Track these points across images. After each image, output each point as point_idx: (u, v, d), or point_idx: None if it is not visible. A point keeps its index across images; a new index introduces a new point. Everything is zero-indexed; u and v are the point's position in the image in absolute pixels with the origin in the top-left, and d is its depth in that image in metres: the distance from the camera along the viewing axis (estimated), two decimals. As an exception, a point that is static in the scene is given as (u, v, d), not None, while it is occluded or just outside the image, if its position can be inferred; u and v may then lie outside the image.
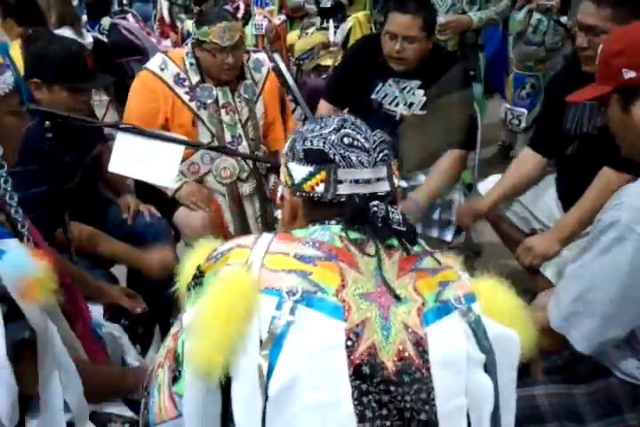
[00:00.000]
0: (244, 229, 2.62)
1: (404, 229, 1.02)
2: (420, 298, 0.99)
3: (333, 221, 1.03)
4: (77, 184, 2.22)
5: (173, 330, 1.09)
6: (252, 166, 2.62)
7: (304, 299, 0.95)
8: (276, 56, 4.07)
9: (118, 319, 1.87)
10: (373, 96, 2.66)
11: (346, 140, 1.04)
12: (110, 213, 2.42)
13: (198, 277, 1.05)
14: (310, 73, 5.09)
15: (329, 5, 5.11)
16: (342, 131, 1.05)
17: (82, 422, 1.28)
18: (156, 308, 2.11)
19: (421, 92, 2.61)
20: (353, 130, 1.06)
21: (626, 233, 1.28)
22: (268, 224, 2.62)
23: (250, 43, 5.60)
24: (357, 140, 1.05)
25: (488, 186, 2.54)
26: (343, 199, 1.03)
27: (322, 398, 0.92)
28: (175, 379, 1.03)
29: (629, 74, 1.35)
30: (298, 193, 1.07)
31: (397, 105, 2.65)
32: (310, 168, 1.04)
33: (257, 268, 0.97)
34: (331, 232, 1.01)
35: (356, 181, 1.03)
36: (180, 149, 2.05)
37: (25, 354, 1.16)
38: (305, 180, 1.05)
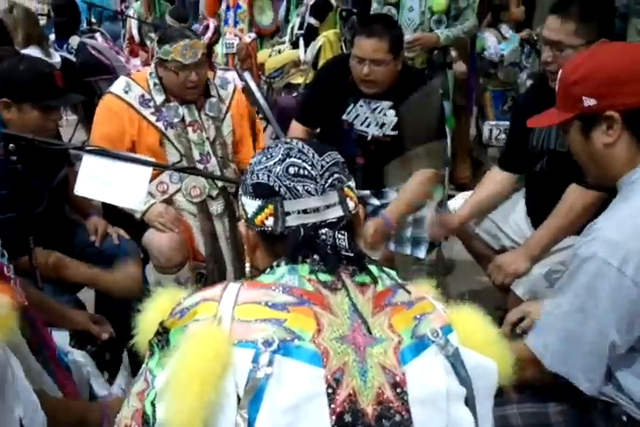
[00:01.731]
0: (214, 249, 2.59)
1: (352, 254, 1.01)
2: (396, 336, 0.97)
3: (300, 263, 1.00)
4: (45, 208, 2.18)
5: (136, 388, 1.03)
6: (218, 185, 2.59)
7: (281, 348, 0.91)
8: (247, 75, 4.07)
9: (85, 346, 1.82)
10: (344, 117, 2.66)
11: (291, 170, 1.02)
12: (77, 236, 2.38)
13: (162, 334, 1.00)
14: (281, 91, 5.12)
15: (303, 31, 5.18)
16: (287, 160, 1.03)
17: None
18: (123, 333, 2.06)
19: (393, 112, 2.61)
20: (298, 158, 1.03)
21: (602, 267, 1.27)
22: (237, 244, 2.59)
23: (220, 61, 5.62)
24: (303, 168, 1.02)
25: (458, 203, 2.55)
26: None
27: None
28: None
29: (589, 102, 1.34)
30: (252, 227, 1.06)
31: (369, 126, 2.65)
32: (259, 202, 1.03)
33: (227, 321, 0.94)
34: (299, 275, 0.99)
35: (305, 211, 1.01)
36: (147, 171, 2.03)
37: None
38: (255, 214, 1.04)
